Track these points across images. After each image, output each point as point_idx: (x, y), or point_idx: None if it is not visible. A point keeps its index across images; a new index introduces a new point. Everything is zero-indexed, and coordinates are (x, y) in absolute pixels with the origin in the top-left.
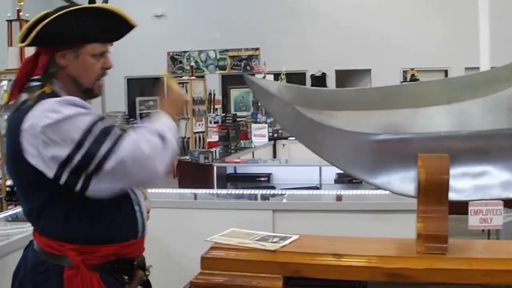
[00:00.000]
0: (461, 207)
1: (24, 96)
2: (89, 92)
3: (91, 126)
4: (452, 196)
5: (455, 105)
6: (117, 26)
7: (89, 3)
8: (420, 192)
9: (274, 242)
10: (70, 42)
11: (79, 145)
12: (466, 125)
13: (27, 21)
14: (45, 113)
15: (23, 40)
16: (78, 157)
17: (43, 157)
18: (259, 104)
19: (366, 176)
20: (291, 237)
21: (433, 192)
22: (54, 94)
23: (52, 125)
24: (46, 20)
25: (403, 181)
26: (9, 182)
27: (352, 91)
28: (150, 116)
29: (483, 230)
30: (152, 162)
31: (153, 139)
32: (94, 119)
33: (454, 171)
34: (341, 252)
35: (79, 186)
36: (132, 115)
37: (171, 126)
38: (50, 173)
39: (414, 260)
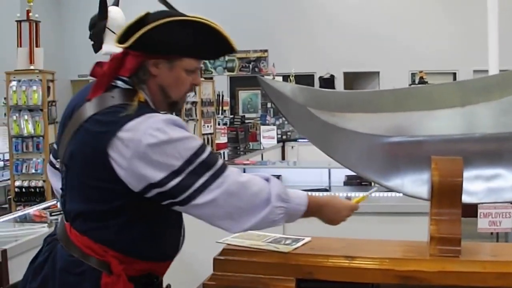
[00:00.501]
0: (468, 210)
1: (109, 95)
2: (175, 105)
3: (193, 156)
4: (465, 198)
5: (469, 108)
6: (218, 46)
7: (100, 5)
8: (433, 195)
9: (287, 244)
10: (170, 53)
11: (176, 173)
12: (479, 127)
13: (36, 21)
14: (150, 130)
15: (122, 41)
16: (171, 184)
17: (133, 172)
18: (269, 105)
19: (379, 179)
20: (303, 239)
21: (446, 194)
22: (146, 104)
23: (156, 146)
24: (152, 25)
25: (416, 183)
26: (17, 183)
27: (366, 93)
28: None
29: (491, 233)
30: (242, 215)
31: (259, 192)
32: (197, 147)
33: (467, 173)
34: (353, 254)
35: (163, 203)
36: None
37: (296, 206)
38: (136, 188)
39: (427, 262)
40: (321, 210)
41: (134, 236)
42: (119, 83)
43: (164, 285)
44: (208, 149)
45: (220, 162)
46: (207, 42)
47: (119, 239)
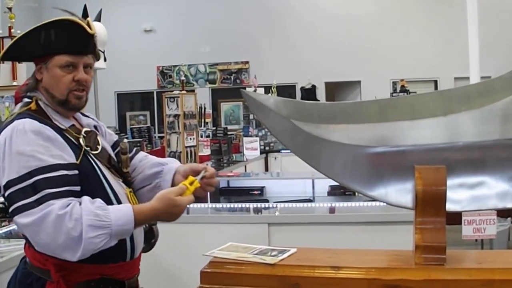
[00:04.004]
0: (453, 217)
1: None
2: (65, 104)
3: (26, 175)
4: (449, 207)
5: (451, 117)
6: (80, 37)
7: (82, 15)
8: (418, 204)
9: (273, 256)
10: (38, 55)
11: (9, 184)
12: (462, 136)
13: None
14: (6, 136)
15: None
16: (6, 193)
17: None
18: (252, 116)
19: (363, 189)
20: (289, 250)
21: (430, 203)
22: (36, 111)
23: (6, 152)
24: (18, 36)
25: (400, 193)
26: (1, 199)
27: (349, 105)
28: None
29: (476, 240)
30: (58, 249)
31: (73, 229)
32: (35, 167)
33: (451, 182)
34: (339, 265)
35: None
36: (123, 130)
37: (119, 227)
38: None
39: (413, 271)
40: (155, 217)
41: None
42: (24, 99)
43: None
44: (49, 174)
45: (51, 190)
46: (68, 35)
47: None
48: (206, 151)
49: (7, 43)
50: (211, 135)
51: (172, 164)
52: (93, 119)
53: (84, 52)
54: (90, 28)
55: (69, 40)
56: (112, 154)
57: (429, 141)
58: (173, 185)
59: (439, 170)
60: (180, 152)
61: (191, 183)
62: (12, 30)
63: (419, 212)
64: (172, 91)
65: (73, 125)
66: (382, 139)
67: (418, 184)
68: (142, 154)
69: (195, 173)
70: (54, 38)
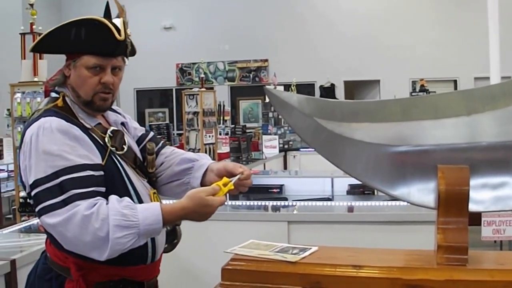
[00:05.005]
0: (472, 218)
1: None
2: (89, 105)
3: (53, 175)
4: (472, 207)
5: (475, 116)
6: (110, 39)
7: (105, 14)
8: (440, 204)
9: (294, 254)
10: (67, 52)
11: (36, 184)
12: (485, 136)
13: (39, 34)
14: (32, 134)
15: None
16: (33, 192)
17: (24, 169)
18: (271, 115)
19: (386, 188)
20: (310, 248)
21: (453, 203)
22: (62, 108)
23: (28, 151)
24: (51, 29)
25: (423, 192)
26: (22, 194)
27: (371, 103)
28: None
29: (495, 241)
30: (87, 248)
31: (100, 228)
32: (61, 167)
33: (473, 182)
34: (361, 264)
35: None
36: (141, 126)
37: (147, 227)
38: (27, 188)
39: (435, 271)
40: (184, 216)
41: None
42: (52, 93)
43: None
44: (76, 174)
45: (78, 190)
46: (98, 36)
47: None
48: (225, 149)
49: (29, 39)
50: (229, 133)
51: (204, 160)
52: (120, 113)
53: (112, 55)
54: (119, 34)
55: (98, 41)
56: (138, 153)
57: (452, 141)
58: (203, 182)
59: (462, 170)
60: (199, 149)
61: (224, 185)
62: (34, 27)
63: (441, 212)
64: (192, 88)
65: (99, 123)
66: (405, 138)
67: (441, 183)
68: (169, 148)
69: (230, 174)
70: (84, 37)
